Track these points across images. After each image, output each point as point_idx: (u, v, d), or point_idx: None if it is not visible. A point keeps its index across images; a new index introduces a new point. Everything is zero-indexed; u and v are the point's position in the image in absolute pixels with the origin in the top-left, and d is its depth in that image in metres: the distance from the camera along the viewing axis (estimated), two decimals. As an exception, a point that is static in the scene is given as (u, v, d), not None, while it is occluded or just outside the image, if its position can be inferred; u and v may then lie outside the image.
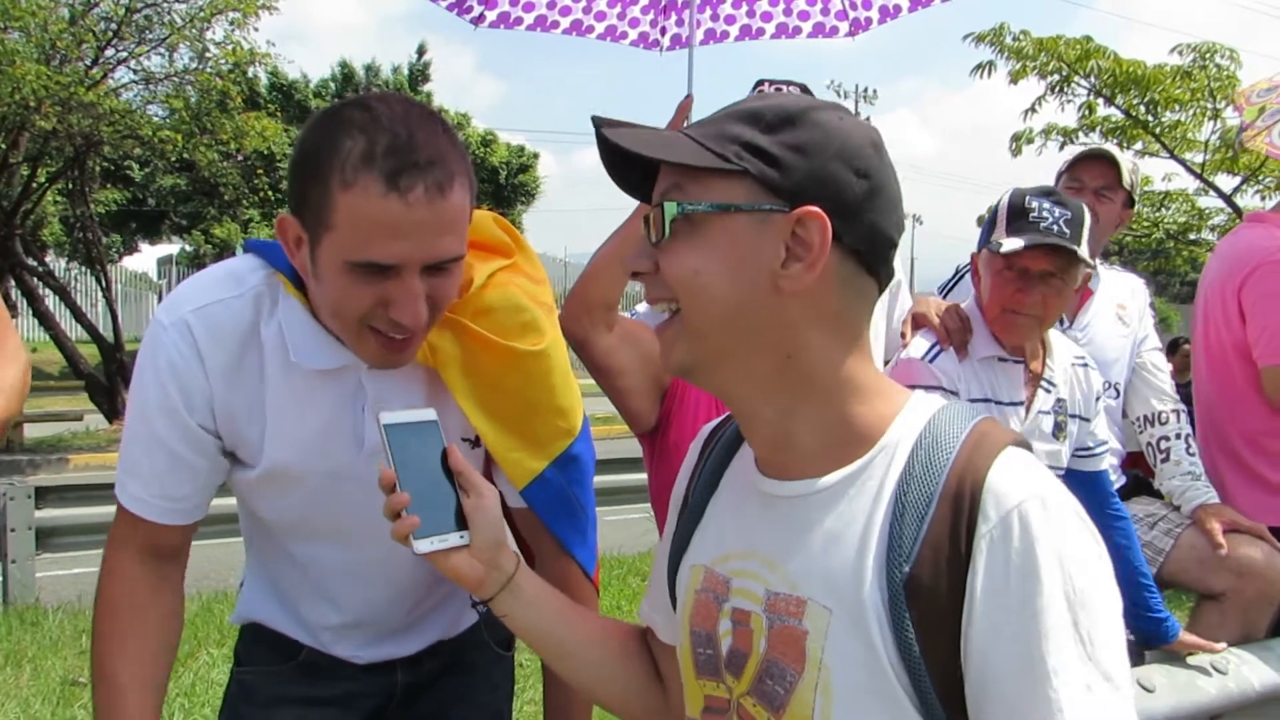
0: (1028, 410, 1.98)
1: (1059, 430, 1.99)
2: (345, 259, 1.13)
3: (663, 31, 2.71)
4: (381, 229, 1.10)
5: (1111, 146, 2.63)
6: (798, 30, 2.73)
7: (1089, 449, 2.07)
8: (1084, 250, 1.86)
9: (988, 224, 2.03)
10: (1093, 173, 2.50)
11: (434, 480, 1.13)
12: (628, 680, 1.17)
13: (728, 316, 0.90)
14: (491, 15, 2.65)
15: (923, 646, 0.83)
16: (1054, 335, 2.08)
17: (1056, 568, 0.80)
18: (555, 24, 2.65)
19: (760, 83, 2.34)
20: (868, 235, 0.90)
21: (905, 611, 0.83)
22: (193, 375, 1.28)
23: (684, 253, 0.90)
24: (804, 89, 2.17)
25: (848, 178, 0.89)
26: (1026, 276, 1.89)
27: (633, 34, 2.71)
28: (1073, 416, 2.04)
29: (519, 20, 2.65)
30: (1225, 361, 2.49)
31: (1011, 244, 1.85)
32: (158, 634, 1.33)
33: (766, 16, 2.71)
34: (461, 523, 1.13)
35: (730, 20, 2.70)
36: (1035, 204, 1.88)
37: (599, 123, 0.93)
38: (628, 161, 0.94)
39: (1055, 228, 1.84)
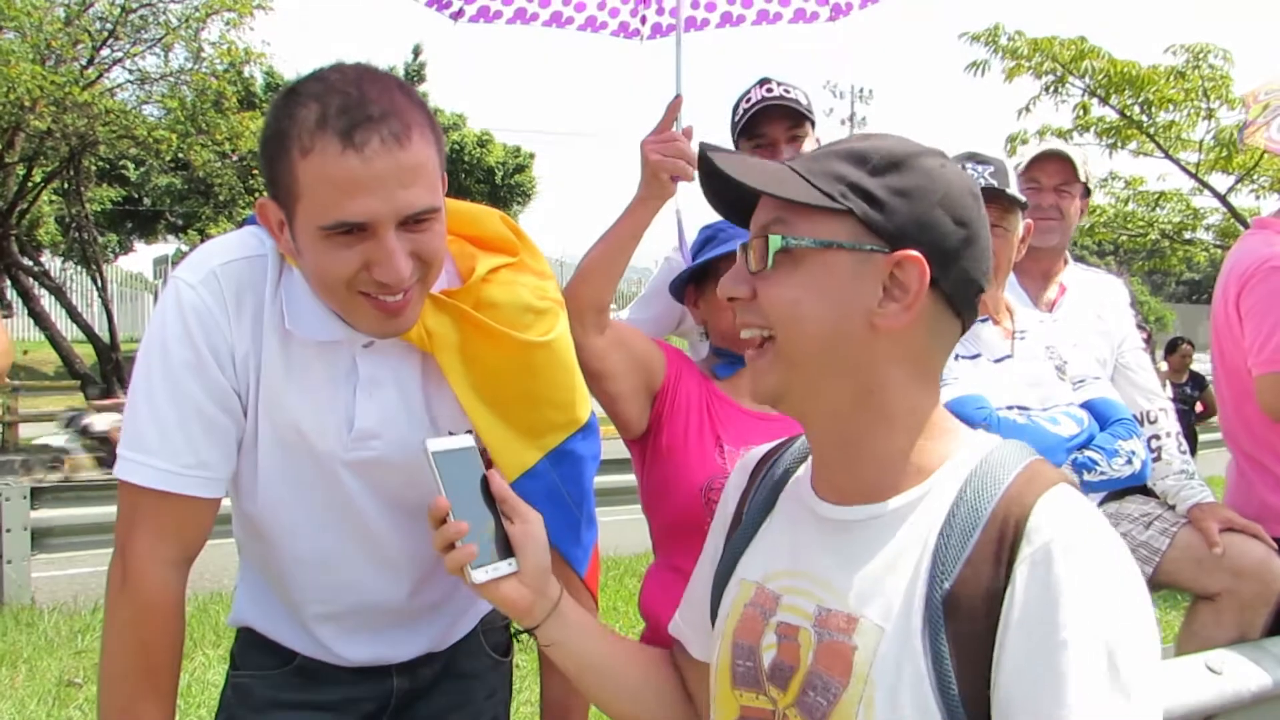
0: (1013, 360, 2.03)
1: (1062, 373, 2.04)
2: (318, 224, 1.13)
3: (643, 20, 2.64)
4: (344, 187, 1.10)
5: (1064, 144, 2.64)
6: (779, 16, 2.65)
7: (1079, 381, 2.12)
8: (1014, 192, 1.95)
9: None
10: (1048, 171, 2.52)
11: (477, 507, 1.13)
12: (661, 701, 1.19)
13: (821, 348, 0.93)
14: (471, 10, 2.55)
15: (956, 665, 0.85)
16: (1013, 302, 2.16)
17: (1093, 598, 0.82)
18: (535, 16, 2.57)
19: (765, 81, 2.32)
20: (960, 281, 0.94)
21: (942, 627, 0.86)
22: (220, 329, 1.25)
23: (785, 283, 0.93)
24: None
25: (948, 225, 0.92)
26: None
27: (613, 24, 2.64)
28: (1068, 360, 2.10)
29: (498, 14, 2.57)
30: (1237, 372, 2.47)
31: None
32: (177, 658, 1.29)
33: (747, 3, 2.63)
34: (505, 550, 1.13)
35: (710, 7, 2.63)
36: None
37: (708, 149, 0.96)
38: (728, 186, 0.97)
39: (982, 181, 1.93)
